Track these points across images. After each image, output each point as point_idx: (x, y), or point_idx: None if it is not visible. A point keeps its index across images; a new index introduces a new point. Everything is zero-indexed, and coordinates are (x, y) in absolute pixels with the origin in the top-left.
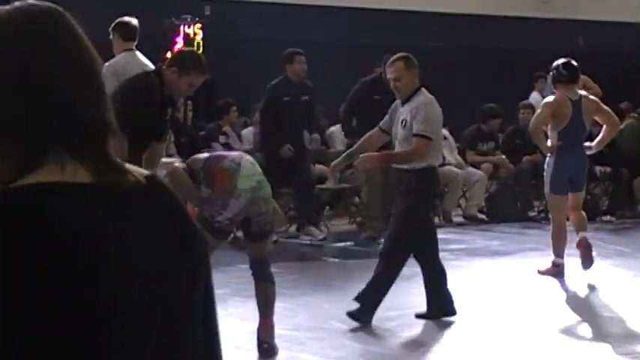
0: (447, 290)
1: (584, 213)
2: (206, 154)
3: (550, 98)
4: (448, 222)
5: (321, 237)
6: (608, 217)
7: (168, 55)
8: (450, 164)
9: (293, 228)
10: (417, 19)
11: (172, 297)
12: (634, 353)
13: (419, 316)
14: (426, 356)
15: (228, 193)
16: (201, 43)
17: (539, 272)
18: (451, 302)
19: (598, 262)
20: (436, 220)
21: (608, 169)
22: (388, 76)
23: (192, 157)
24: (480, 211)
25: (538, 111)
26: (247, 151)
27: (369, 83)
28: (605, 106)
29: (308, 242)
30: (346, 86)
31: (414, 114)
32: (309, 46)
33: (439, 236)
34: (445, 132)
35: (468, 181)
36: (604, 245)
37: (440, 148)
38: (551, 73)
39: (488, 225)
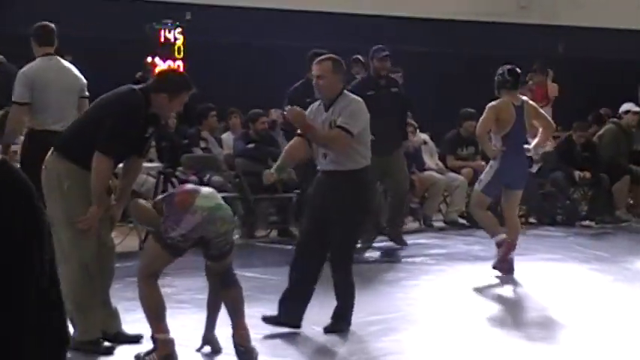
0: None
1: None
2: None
3: (493, 103)
4: (429, 227)
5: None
6: (587, 223)
7: (149, 60)
8: (430, 169)
9: (274, 233)
10: (396, 24)
11: (21, 256)
12: None
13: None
14: None
15: (183, 208)
16: (181, 48)
17: (495, 267)
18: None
19: (578, 267)
20: (417, 225)
21: (588, 175)
22: (313, 73)
23: (155, 199)
24: (461, 216)
25: (482, 116)
26: (228, 156)
27: (362, 82)
28: (542, 111)
29: (289, 247)
30: None
31: (341, 113)
32: (287, 51)
33: (421, 241)
34: (425, 137)
35: (448, 187)
36: (583, 250)
37: (369, 148)
38: (495, 79)
39: (469, 230)
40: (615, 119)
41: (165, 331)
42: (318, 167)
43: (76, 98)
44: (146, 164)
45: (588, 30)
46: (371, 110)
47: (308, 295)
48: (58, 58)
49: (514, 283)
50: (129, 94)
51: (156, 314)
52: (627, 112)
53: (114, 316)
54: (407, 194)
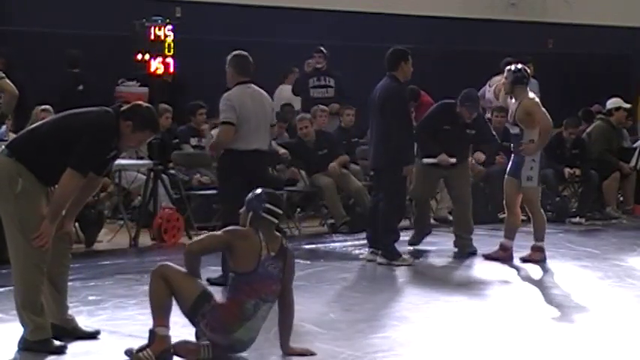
0: None
1: None
2: (264, 255)
3: (532, 99)
4: None
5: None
6: (577, 219)
7: (139, 57)
8: None
9: None
10: (386, 21)
11: None
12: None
13: None
14: (397, 358)
15: (223, 328)
16: (171, 45)
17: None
18: None
19: (568, 264)
20: (407, 222)
21: (577, 172)
22: None
23: (245, 237)
24: (451, 213)
25: (541, 111)
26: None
27: (441, 111)
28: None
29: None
30: None
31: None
32: (277, 48)
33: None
34: None
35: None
36: (573, 247)
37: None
38: (513, 74)
39: None
40: (603, 115)
41: (166, 326)
42: None
43: None
44: (136, 162)
45: (577, 27)
46: (440, 142)
47: None
48: None
49: (504, 279)
50: (105, 115)
51: (159, 307)
52: (618, 108)
53: (71, 318)
54: (468, 207)
